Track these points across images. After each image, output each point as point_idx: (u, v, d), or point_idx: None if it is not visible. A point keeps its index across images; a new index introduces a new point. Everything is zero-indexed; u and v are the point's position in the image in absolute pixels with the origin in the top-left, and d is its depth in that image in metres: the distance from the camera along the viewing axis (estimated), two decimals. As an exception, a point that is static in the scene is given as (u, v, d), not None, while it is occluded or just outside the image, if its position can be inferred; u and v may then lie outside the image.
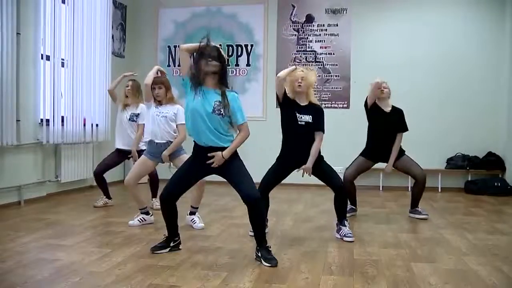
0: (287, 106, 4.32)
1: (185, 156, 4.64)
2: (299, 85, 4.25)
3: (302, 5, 8.21)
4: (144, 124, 5.32)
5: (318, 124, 4.29)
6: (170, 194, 3.65)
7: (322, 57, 8.12)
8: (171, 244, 3.83)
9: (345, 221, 4.39)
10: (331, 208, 5.83)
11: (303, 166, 4.28)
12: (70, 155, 6.73)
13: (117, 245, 3.98)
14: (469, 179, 7.59)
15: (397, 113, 5.33)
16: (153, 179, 5.88)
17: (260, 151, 7.62)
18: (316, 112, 4.32)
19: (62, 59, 6.54)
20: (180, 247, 3.88)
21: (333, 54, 8.09)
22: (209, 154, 3.55)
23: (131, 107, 5.76)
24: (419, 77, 7.81)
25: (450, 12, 7.84)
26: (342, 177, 5.31)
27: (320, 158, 4.39)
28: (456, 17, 7.82)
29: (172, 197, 3.67)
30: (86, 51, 7.01)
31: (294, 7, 8.22)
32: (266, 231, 4.32)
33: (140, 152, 5.49)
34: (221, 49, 3.66)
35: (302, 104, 4.32)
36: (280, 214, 5.48)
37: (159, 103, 4.76)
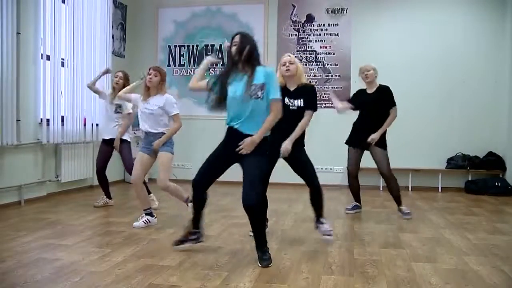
0: None
1: (167, 154, 4.70)
2: (287, 69, 4.13)
3: (302, 4, 8.20)
4: (131, 112, 5.64)
5: (310, 104, 4.14)
6: (201, 179, 3.56)
7: (323, 57, 8.12)
8: (193, 238, 3.81)
9: (322, 219, 4.26)
10: (331, 208, 5.85)
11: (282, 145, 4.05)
12: (70, 155, 6.72)
13: (117, 245, 3.98)
14: (470, 179, 7.59)
15: (380, 91, 5.33)
16: None
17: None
18: (308, 93, 4.16)
19: (62, 59, 6.54)
20: (202, 240, 3.86)
21: (334, 54, 8.09)
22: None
23: (116, 98, 5.48)
24: (419, 77, 7.81)
25: (451, 12, 7.83)
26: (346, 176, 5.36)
27: (301, 146, 4.18)
28: (457, 17, 7.82)
29: (203, 182, 3.58)
30: (86, 51, 7.01)
31: (294, 6, 8.22)
32: (266, 231, 4.30)
33: (123, 142, 5.69)
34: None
35: (291, 89, 4.18)
36: (280, 214, 5.48)
37: (147, 90, 4.72)
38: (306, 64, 8.13)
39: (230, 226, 4.77)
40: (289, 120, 4.02)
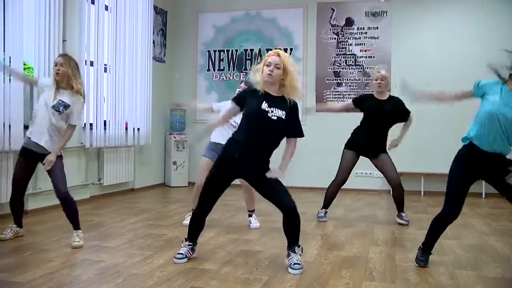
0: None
1: None
2: (269, 74, 3.43)
3: (341, 8, 8.15)
4: (75, 125, 4.13)
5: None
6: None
7: (362, 61, 8.04)
8: None
9: (296, 247, 3.51)
10: (371, 214, 5.80)
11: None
12: (112, 159, 6.86)
13: (158, 247, 4.04)
14: (515, 184, 7.36)
15: (395, 104, 5.23)
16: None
17: (298, 156, 7.64)
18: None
19: (105, 65, 6.69)
20: None
21: (373, 57, 8.00)
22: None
23: (61, 92, 4.08)
24: (462, 77, 7.57)
25: (495, 12, 7.58)
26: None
27: (263, 171, 3.54)
28: (498, 14, 7.57)
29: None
30: (128, 57, 7.15)
31: (333, 10, 8.18)
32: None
33: (58, 157, 4.07)
34: None
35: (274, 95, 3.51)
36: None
37: None
38: (345, 68, 8.08)
39: (269, 230, 4.77)
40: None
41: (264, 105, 3.42)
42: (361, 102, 5.32)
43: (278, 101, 3.46)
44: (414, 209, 6.16)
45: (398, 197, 5.27)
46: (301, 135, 3.58)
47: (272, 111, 3.42)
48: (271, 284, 3.13)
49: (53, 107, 4.01)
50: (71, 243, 4.01)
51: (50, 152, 4.02)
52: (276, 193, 3.49)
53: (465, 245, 4.27)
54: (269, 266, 3.55)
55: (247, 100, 3.55)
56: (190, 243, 3.71)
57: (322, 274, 3.37)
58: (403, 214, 5.27)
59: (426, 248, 3.62)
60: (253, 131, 3.48)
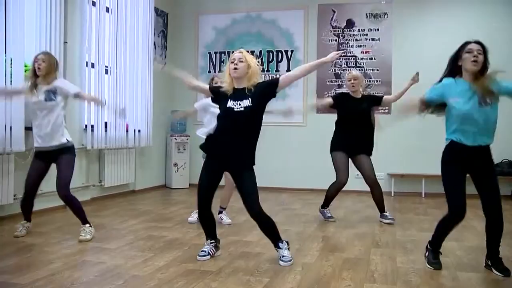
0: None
1: None
2: (235, 68, 3.60)
3: (342, 10, 8.15)
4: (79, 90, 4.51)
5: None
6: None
7: (363, 62, 8.05)
8: None
9: (280, 243, 3.72)
10: (372, 215, 5.79)
11: None
12: (113, 160, 6.86)
13: (159, 249, 4.03)
14: (517, 186, 7.36)
15: (368, 99, 5.43)
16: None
17: (299, 157, 7.63)
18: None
19: (106, 66, 6.69)
20: None
21: (374, 59, 8.00)
22: None
23: (40, 87, 4.24)
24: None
25: (494, 12, 7.59)
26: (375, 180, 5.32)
27: (246, 163, 3.68)
28: (499, 15, 7.57)
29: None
30: (129, 58, 7.15)
31: (334, 12, 8.18)
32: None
33: (67, 150, 4.34)
34: None
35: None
36: (321, 220, 5.45)
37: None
38: (346, 70, 8.07)
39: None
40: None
41: (230, 103, 3.61)
42: (339, 99, 5.42)
43: (243, 92, 3.62)
44: (415, 211, 6.16)
45: (377, 197, 5.36)
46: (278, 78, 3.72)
47: (239, 104, 3.58)
48: (272, 286, 3.12)
49: (46, 100, 4.18)
50: (79, 238, 4.19)
51: (60, 148, 4.27)
52: (244, 194, 3.69)
53: (467, 247, 4.26)
54: (270, 268, 3.55)
55: (219, 98, 3.73)
56: (212, 241, 3.85)
57: (323, 276, 3.36)
58: (386, 214, 5.36)
59: (434, 247, 3.63)
60: (225, 127, 3.66)
